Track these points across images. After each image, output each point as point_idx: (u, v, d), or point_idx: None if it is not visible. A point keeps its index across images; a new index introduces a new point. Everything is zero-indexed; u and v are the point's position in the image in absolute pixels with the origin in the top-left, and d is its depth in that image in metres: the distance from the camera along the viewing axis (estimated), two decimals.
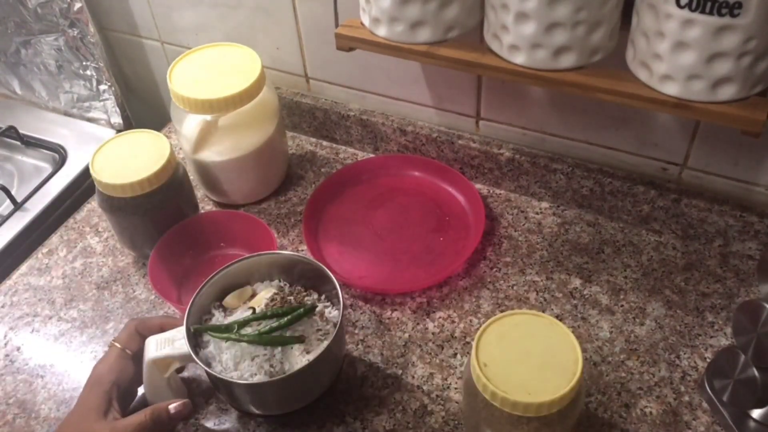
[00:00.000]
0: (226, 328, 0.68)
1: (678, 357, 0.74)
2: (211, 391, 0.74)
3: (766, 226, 0.80)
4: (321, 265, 0.72)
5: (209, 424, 0.72)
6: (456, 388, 0.73)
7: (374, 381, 0.74)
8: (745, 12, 0.56)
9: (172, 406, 0.64)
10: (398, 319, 0.80)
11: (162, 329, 0.70)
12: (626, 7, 0.65)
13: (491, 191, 0.94)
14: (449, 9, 0.69)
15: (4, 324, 0.84)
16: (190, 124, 0.89)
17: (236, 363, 0.66)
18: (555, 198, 0.91)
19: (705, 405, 0.70)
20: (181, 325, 0.68)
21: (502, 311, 0.73)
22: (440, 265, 0.84)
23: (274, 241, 0.82)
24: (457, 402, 0.72)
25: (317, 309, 0.69)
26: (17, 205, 0.99)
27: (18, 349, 0.81)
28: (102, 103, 1.09)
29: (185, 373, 0.76)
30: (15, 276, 0.89)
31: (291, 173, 0.99)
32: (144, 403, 0.70)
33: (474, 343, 0.60)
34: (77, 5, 0.98)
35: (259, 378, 0.65)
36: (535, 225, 0.89)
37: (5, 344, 0.82)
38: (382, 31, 0.73)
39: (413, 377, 0.74)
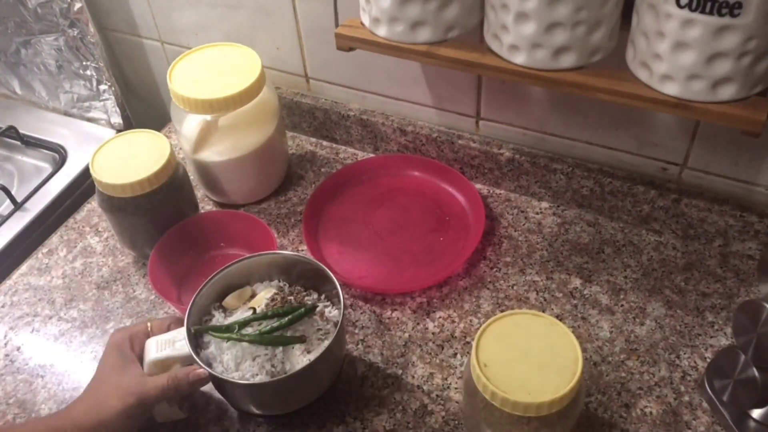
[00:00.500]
0: (227, 329, 0.68)
1: (678, 357, 0.74)
2: (211, 392, 0.74)
3: (766, 226, 0.80)
4: (321, 264, 0.72)
5: (210, 426, 0.72)
6: (456, 388, 0.73)
7: (374, 381, 0.74)
8: (745, 12, 0.56)
9: (191, 375, 0.65)
10: (398, 319, 0.80)
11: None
12: (626, 7, 0.65)
13: (491, 191, 0.94)
14: (449, 9, 0.69)
15: (4, 324, 0.84)
16: (190, 124, 0.89)
17: (237, 363, 0.66)
18: (555, 198, 0.91)
19: (705, 405, 0.70)
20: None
21: (502, 311, 0.73)
22: (440, 265, 0.84)
23: (274, 241, 0.82)
24: (457, 402, 0.72)
25: (317, 309, 0.69)
26: (17, 205, 0.98)
27: (18, 349, 0.81)
28: (102, 103, 1.09)
29: None
30: (15, 276, 0.89)
31: (291, 173, 0.99)
32: None
33: (474, 343, 0.60)
34: (77, 5, 0.98)
35: (260, 378, 0.65)
36: (535, 225, 0.89)
37: (5, 344, 0.82)
38: (382, 31, 0.73)
39: (413, 377, 0.74)
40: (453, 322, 0.79)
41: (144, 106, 1.18)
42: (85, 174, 1.03)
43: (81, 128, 1.12)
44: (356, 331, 0.79)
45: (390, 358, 0.76)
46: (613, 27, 0.66)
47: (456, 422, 0.70)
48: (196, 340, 0.68)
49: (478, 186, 0.94)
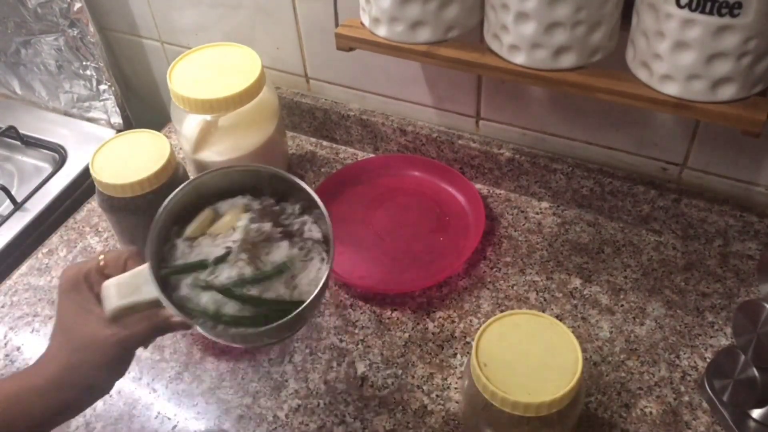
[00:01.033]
0: (200, 265, 0.59)
1: (678, 357, 0.74)
2: None
3: (766, 226, 0.80)
4: (287, 174, 0.64)
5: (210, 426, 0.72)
6: (456, 388, 0.73)
7: (374, 381, 0.74)
8: (745, 12, 0.56)
9: (173, 320, 0.58)
10: (398, 319, 0.80)
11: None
12: (626, 7, 0.65)
13: (491, 191, 0.94)
14: (449, 9, 0.69)
15: (4, 324, 0.84)
16: (190, 124, 0.89)
17: (218, 307, 0.58)
18: (555, 198, 0.91)
19: (705, 405, 0.70)
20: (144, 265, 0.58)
21: (502, 311, 0.73)
22: (440, 265, 0.84)
23: None
24: (457, 402, 0.72)
25: (296, 228, 0.63)
26: (17, 205, 0.98)
27: (18, 349, 0.81)
28: (102, 103, 1.09)
29: None
30: (15, 276, 0.89)
31: (291, 173, 0.97)
32: None
33: (474, 343, 0.60)
34: (77, 5, 0.98)
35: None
36: (535, 225, 0.89)
37: (5, 344, 0.82)
38: (382, 31, 0.73)
39: (413, 377, 0.74)
40: (453, 322, 0.79)
41: (144, 106, 1.18)
42: (85, 174, 1.03)
43: (81, 128, 1.12)
44: (356, 331, 0.79)
45: (390, 358, 0.76)
46: (613, 27, 0.66)
47: (456, 422, 0.70)
48: (162, 277, 0.59)
49: (478, 186, 0.94)
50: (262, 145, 0.90)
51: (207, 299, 0.58)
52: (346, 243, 0.88)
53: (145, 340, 0.58)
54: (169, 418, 0.73)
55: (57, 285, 0.60)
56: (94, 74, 1.06)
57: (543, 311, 0.73)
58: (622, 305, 0.79)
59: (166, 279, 0.59)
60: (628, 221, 0.87)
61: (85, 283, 0.59)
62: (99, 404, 0.74)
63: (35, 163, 1.09)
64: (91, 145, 1.01)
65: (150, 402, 0.75)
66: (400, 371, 0.75)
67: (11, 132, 1.09)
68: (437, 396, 0.73)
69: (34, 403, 0.55)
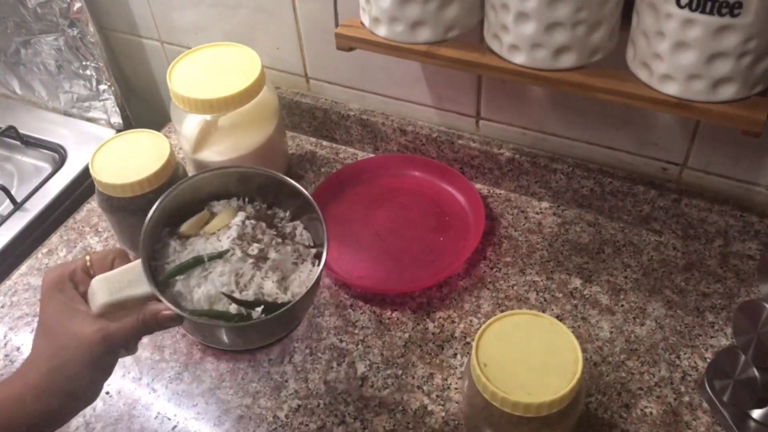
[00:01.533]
0: (195, 262, 0.60)
1: (678, 357, 0.74)
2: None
3: (766, 226, 0.80)
4: (284, 177, 0.65)
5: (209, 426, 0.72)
6: (456, 388, 0.73)
7: (374, 381, 0.74)
8: (746, 12, 0.56)
9: (161, 316, 0.56)
10: (398, 319, 0.80)
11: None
12: (626, 7, 0.65)
13: (491, 191, 0.94)
14: (449, 9, 0.69)
15: (4, 324, 0.84)
16: (190, 124, 0.89)
17: (211, 303, 0.59)
18: (555, 198, 0.90)
19: (705, 405, 0.70)
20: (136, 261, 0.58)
21: (502, 311, 0.73)
22: (440, 265, 0.84)
23: None
24: (457, 402, 0.72)
25: (288, 231, 0.64)
26: (17, 205, 0.98)
27: (18, 349, 0.81)
28: (102, 102, 1.09)
29: None
30: (15, 276, 0.89)
31: (291, 173, 0.98)
32: None
33: (474, 343, 0.60)
34: (77, 5, 0.98)
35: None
36: (535, 225, 0.89)
37: (5, 344, 0.82)
38: (382, 31, 0.72)
39: (413, 377, 0.74)
40: (453, 322, 0.79)
41: (144, 106, 1.18)
42: (85, 174, 1.03)
43: (81, 128, 1.12)
44: (356, 331, 0.79)
45: (390, 358, 0.76)
46: (614, 27, 0.66)
47: (456, 422, 0.70)
48: (152, 274, 0.59)
49: (478, 186, 0.94)
50: (262, 145, 0.90)
51: (200, 296, 0.59)
52: (346, 243, 0.88)
53: (131, 336, 0.56)
54: (169, 419, 0.73)
55: (41, 284, 0.58)
56: (94, 74, 1.06)
57: (543, 311, 0.73)
58: (622, 305, 0.79)
59: (154, 273, 0.59)
60: (628, 221, 0.87)
61: (69, 282, 0.57)
62: (99, 404, 0.74)
63: (35, 163, 1.09)
64: (90, 145, 1.01)
65: (150, 402, 0.75)
66: (400, 371, 0.75)
67: (11, 132, 1.09)
68: (437, 396, 0.72)
69: (15, 412, 0.53)
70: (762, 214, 0.80)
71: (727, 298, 0.79)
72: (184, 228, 0.64)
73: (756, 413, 0.67)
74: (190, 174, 0.90)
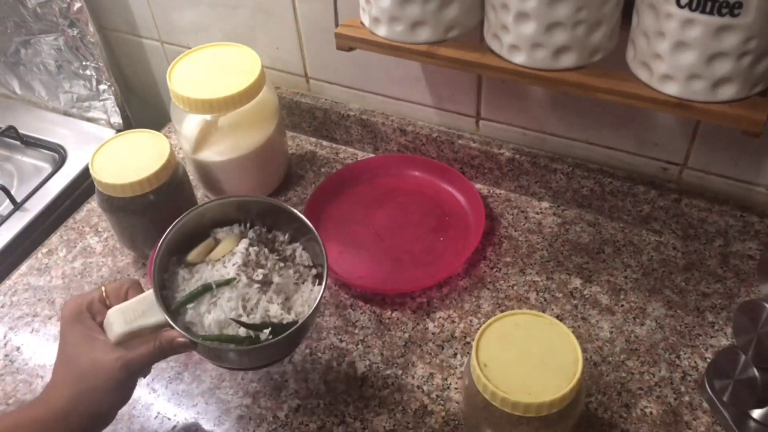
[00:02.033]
0: (204, 289, 0.63)
1: (678, 357, 0.74)
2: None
3: (766, 226, 0.80)
4: (281, 203, 0.69)
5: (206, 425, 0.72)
6: (456, 388, 0.73)
7: (374, 381, 0.74)
8: (746, 12, 0.56)
9: (175, 342, 0.60)
10: (398, 319, 0.80)
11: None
12: (626, 6, 0.65)
13: (491, 191, 0.94)
14: (449, 9, 0.69)
15: (4, 324, 0.84)
16: (190, 124, 0.89)
17: (221, 328, 0.62)
18: (555, 198, 0.90)
19: (705, 405, 0.70)
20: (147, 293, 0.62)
21: (502, 311, 0.73)
22: (440, 265, 0.84)
23: None
24: (457, 402, 0.72)
25: (289, 254, 0.68)
26: (17, 205, 0.98)
27: (18, 349, 0.81)
28: (102, 103, 1.09)
29: None
30: (15, 276, 0.89)
31: (291, 173, 0.98)
32: None
33: (474, 343, 0.60)
34: (77, 5, 0.98)
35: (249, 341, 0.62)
36: (536, 225, 0.89)
37: (5, 344, 0.82)
38: (382, 31, 0.72)
39: (413, 377, 0.74)
40: (453, 322, 0.79)
41: (144, 106, 1.18)
42: (85, 174, 1.03)
43: (81, 128, 1.12)
44: (356, 331, 0.79)
45: (390, 358, 0.76)
46: (614, 27, 0.66)
47: (456, 422, 0.70)
48: (164, 302, 0.62)
49: (478, 186, 0.94)
50: (262, 145, 0.90)
51: (211, 322, 0.62)
52: (346, 243, 0.88)
53: (148, 362, 0.60)
54: (169, 418, 0.73)
55: (60, 314, 0.62)
56: (94, 74, 1.06)
57: (543, 311, 0.73)
58: (622, 305, 0.79)
59: (166, 301, 0.63)
60: (628, 221, 0.87)
61: (87, 313, 0.61)
62: None
63: (35, 163, 1.09)
64: (90, 145, 1.01)
65: (150, 402, 0.75)
66: (400, 371, 0.75)
67: (11, 132, 1.09)
68: (437, 396, 0.72)
69: None
70: (762, 214, 0.80)
71: (727, 298, 0.79)
72: (191, 257, 0.67)
73: (756, 413, 0.67)
74: (190, 174, 0.90)
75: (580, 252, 0.85)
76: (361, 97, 0.98)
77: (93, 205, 0.97)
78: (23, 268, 0.90)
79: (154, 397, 0.75)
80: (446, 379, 0.74)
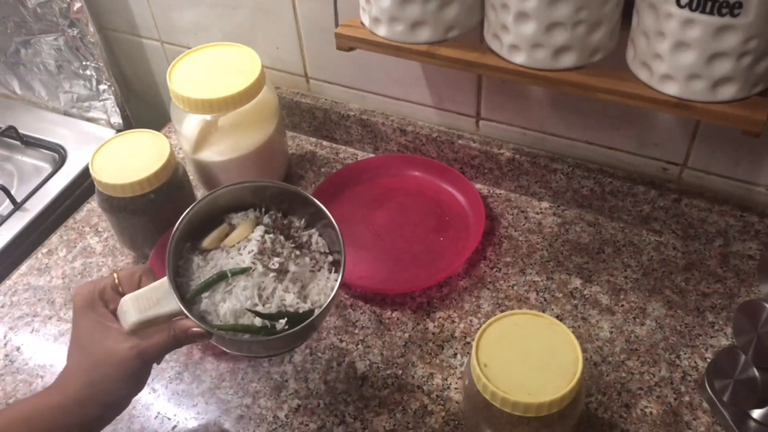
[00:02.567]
0: (219, 277, 0.62)
1: (678, 357, 0.74)
2: None
3: (766, 226, 0.80)
4: (294, 187, 0.67)
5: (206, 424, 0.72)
6: (456, 388, 0.73)
7: (374, 381, 0.74)
8: (746, 12, 0.56)
9: (190, 332, 0.59)
10: (398, 319, 0.80)
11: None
12: (626, 6, 0.65)
13: (491, 191, 0.94)
14: (449, 9, 0.69)
15: (4, 324, 0.84)
16: (190, 124, 0.89)
17: (236, 318, 0.62)
18: (555, 198, 0.90)
19: (705, 405, 0.70)
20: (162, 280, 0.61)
21: (502, 311, 0.73)
22: (440, 265, 0.84)
23: None
24: (457, 402, 0.72)
25: (305, 240, 0.66)
26: (17, 205, 0.98)
27: (18, 349, 0.81)
28: (102, 103, 1.09)
29: None
30: (15, 276, 0.89)
31: (291, 173, 0.98)
32: None
33: (474, 343, 0.60)
34: (77, 5, 0.98)
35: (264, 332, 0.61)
36: (536, 225, 0.89)
37: (5, 344, 0.82)
38: (382, 31, 0.72)
39: (413, 377, 0.74)
40: (453, 322, 0.79)
41: (144, 106, 1.18)
42: (85, 174, 1.03)
43: (81, 128, 1.12)
44: (356, 331, 0.79)
45: (390, 358, 0.76)
46: (614, 27, 0.66)
47: (456, 422, 0.70)
48: (178, 290, 0.61)
49: (478, 186, 0.94)
50: (262, 145, 0.90)
51: (226, 311, 0.61)
52: (346, 243, 0.87)
53: (163, 352, 0.60)
54: (169, 418, 0.73)
55: (71, 301, 0.61)
56: (94, 74, 1.06)
57: (543, 311, 0.73)
58: (622, 305, 0.79)
59: (180, 289, 0.62)
60: (628, 221, 0.87)
61: (100, 301, 0.60)
62: None
63: (35, 163, 1.09)
64: (90, 145, 1.01)
65: (150, 402, 0.75)
66: (400, 371, 0.75)
67: (11, 132, 1.09)
68: (437, 396, 0.72)
69: (57, 420, 0.56)
70: (762, 214, 0.80)
71: (727, 298, 0.79)
72: (206, 243, 0.66)
73: (756, 413, 0.67)
74: (190, 174, 0.90)
75: (580, 252, 0.85)
76: (361, 97, 0.98)
77: (93, 205, 0.97)
78: (23, 268, 0.90)
79: (154, 397, 0.75)
80: (446, 379, 0.74)
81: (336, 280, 0.64)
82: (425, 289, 0.82)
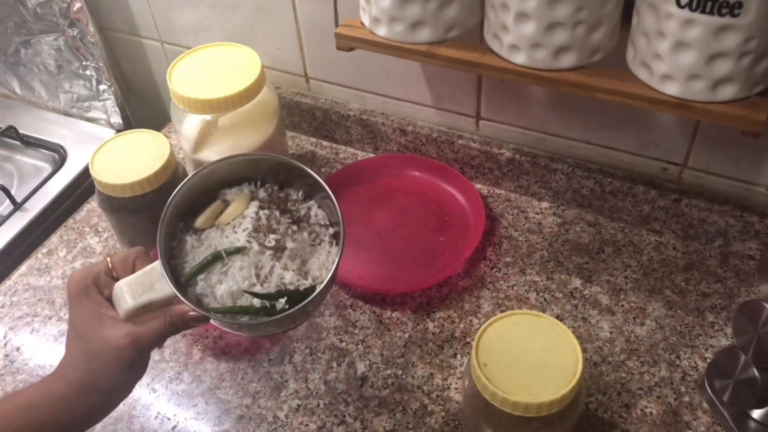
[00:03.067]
0: (214, 258, 0.60)
1: (678, 357, 0.74)
2: None
3: (766, 226, 0.80)
4: (290, 159, 0.64)
5: (209, 424, 0.72)
6: (456, 388, 0.73)
7: (374, 381, 0.74)
8: (746, 12, 0.56)
9: (187, 317, 0.57)
10: (398, 319, 0.80)
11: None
12: (626, 7, 0.65)
13: (491, 191, 0.94)
14: (449, 9, 0.69)
15: (4, 324, 0.84)
16: (190, 124, 0.89)
17: (234, 299, 0.59)
18: (555, 198, 0.90)
19: (705, 405, 0.70)
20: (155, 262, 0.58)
21: (502, 311, 0.73)
22: (440, 265, 0.84)
23: None
24: (457, 402, 0.72)
25: (303, 214, 0.64)
26: (17, 205, 0.98)
27: (18, 349, 0.81)
28: (102, 103, 1.09)
29: None
30: (15, 276, 0.89)
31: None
32: None
33: (474, 343, 0.60)
34: (77, 5, 0.98)
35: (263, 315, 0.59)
36: (536, 225, 0.89)
37: (5, 344, 0.82)
38: (382, 31, 0.72)
39: (413, 377, 0.74)
40: (453, 322, 0.79)
41: (144, 106, 1.18)
42: (85, 174, 1.03)
43: (81, 128, 1.12)
44: (356, 331, 0.79)
45: (390, 358, 0.76)
46: (614, 27, 0.66)
47: (456, 422, 0.70)
48: (172, 273, 0.59)
49: (478, 186, 0.94)
50: (262, 145, 0.89)
51: (223, 293, 0.59)
52: (346, 243, 0.87)
53: (160, 338, 0.58)
54: (168, 418, 0.73)
55: (65, 290, 0.60)
56: (94, 74, 1.06)
57: (543, 311, 0.73)
58: (622, 305, 0.79)
59: (175, 271, 0.60)
60: (628, 221, 0.87)
61: (94, 287, 0.58)
62: None
63: (35, 163, 1.09)
64: (90, 145, 1.01)
65: (150, 402, 0.75)
66: (400, 371, 0.75)
67: (11, 132, 1.09)
68: (437, 396, 0.72)
69: (59, 409, 0.56)
70: (762, 214, 0.80)
71: (727, 298, 0.79)
72: (200, 222, 0.63)
73: (756, 413, 0.67)
74: (190, 174, 0.90)
75: (580, 252, 0.85)
76: (361, 97, 0.98)
77: (93, 205, 0.97)
78: (23, 268, 0.90)
79: (154, 397, 0.75)
80: (446, 379, 0.74)
81: (337, 254, 0.61)
82: (425, 289, 0.82)
